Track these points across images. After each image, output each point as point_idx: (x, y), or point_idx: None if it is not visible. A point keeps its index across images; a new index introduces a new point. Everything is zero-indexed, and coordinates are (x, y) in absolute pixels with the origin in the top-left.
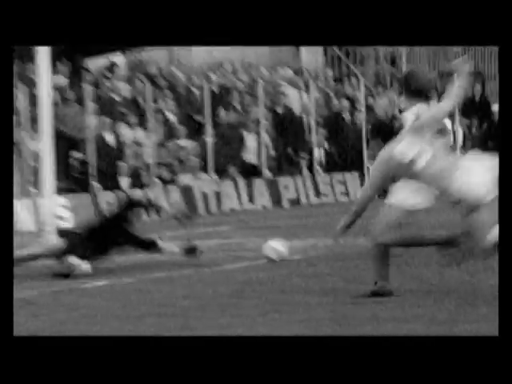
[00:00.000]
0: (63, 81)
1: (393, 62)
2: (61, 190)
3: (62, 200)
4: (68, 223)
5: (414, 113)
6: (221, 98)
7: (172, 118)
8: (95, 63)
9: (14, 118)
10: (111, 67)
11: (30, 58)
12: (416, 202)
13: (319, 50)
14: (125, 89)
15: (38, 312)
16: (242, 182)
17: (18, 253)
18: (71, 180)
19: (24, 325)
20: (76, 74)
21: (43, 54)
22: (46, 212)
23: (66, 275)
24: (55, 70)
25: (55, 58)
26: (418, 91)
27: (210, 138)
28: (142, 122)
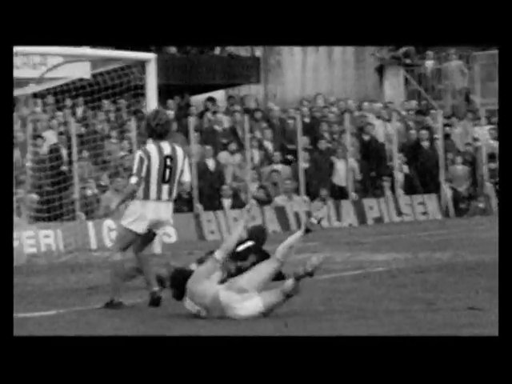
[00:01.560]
0: (171, 114)
1: (467, 96)
2: None
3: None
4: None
5: None
6: (312, 128)
7: (268, 145)
8: (199, 99)
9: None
10: (213, 102)
11: (142, 95)
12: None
13: (401, 84)
14: (225, 120)
15: None
16: (330, 203)
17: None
18: (179, 201)
19: None
20: (182, 109)
21: (152, 91)
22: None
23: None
24: (164, 105)
25: (164, 95)
26: None
27: (303, 164)
28: (241, 150)
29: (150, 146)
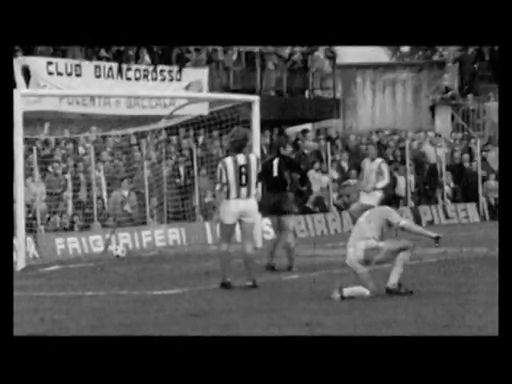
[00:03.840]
0: (268, 141)
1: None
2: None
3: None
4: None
5: None
6: (379, 151)
7: (345, 165)
8: (293, 130)
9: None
10: (304, 132)
11: (249, 127)
12: None
13: (449, 119)
14: (313, 146)
15: None
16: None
17: None
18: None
19: None
20: (279, 136)
21: (256, 124)
22: None
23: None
24: (263, 135)
25: (265, 127)
26: None
27: None
28: (324, 168)
29: (228, 159)
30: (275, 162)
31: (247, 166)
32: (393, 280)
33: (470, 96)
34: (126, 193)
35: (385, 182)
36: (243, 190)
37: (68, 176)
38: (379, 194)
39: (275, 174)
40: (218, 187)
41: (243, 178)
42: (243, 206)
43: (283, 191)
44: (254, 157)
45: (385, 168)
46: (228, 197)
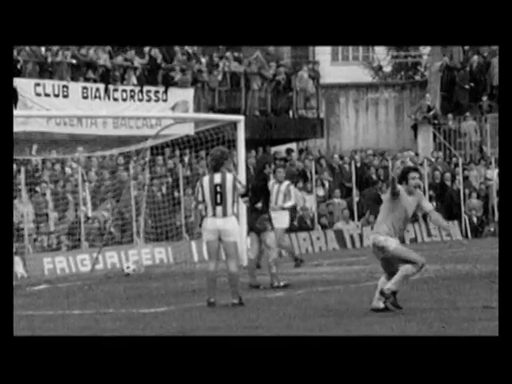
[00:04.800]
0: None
1: (480, 147)
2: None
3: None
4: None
5: None
6: (362, 171)
7: (328, 184)
8: (276, 149)
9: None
10: (288, 152)
11: (234, 146)
12: None
13: (430, 138)
14: (297, 165)
15: None
16: None
17: None
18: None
19: None
20: (263, 155)
21: (241, 144)
22: None
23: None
24: (248, 155)
25: (250, 147)
26: None
27: (355, 197)
28: (307, 187)
29: (205, 178)
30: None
31: (222, 185)
32: (389, 285)
33: (449, 116)
34: (107, 213)
35: (292, 202)
36: (219, 209)
37: (48, 197)
38: (287, 214)
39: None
40: (193, 205)
41: (218, 196)
42: (220, 224)
43: (257, 209)
44: (230, 176)
45: (292, 190)
46: (206, 215)
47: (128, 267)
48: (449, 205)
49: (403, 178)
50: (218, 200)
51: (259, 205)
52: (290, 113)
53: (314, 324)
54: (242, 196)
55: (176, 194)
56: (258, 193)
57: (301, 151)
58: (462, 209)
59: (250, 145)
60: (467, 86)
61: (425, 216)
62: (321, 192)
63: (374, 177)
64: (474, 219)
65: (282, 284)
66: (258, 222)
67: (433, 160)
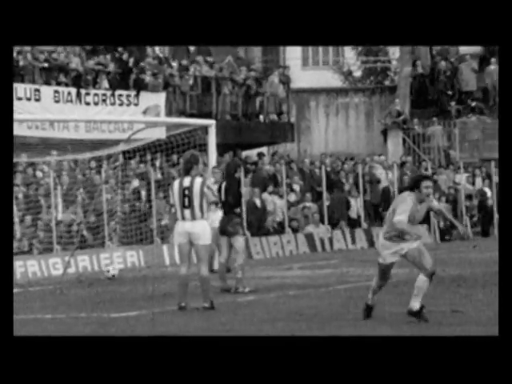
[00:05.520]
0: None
1: (446, 152)
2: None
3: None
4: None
5: None
6: (332, 175)
7: (299, 188)
8: (249, 153)
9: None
10: (260, 156)
11: (205, 150)
12: None
13: (400, 143)
14: (268, 169)
15: None
16: (347, 231)
17: None
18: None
19: None
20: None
21: (212, 148)
22: None
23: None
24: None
25: (221, 151)
26: None
27: (326, 202)
28: (279, 191)
29: (176, 181)
30: (223, 185)
31: (190, 188)
32: (412, 305)
33: (415, 121)
34: (77, 217)
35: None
36: (187, 212)
37: (21, 200)
38: (220, 212)
39: (223, 196)
40: (167, 208)
41: (186, 200)
42: (189, 228)
43: (229, 213)
44: (199, 180)
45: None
46: (177, 218)
47: (109, 271)
48: None
49: (416, 186)
50: (186, 203)
51: (238, 210)
52: (261, 117)
53: (285, 328)
54: (212, 203)
55: (147, 197)
56: (230, 197)
57: (273, 155)
58: (431, 213)
59: (221, 149)
60: (450, 92)
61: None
62: (292, 196)
63: (344, 181)
64: (442, 223)
65: (246, 290)
66: (229, 226)
67: (400, 163)
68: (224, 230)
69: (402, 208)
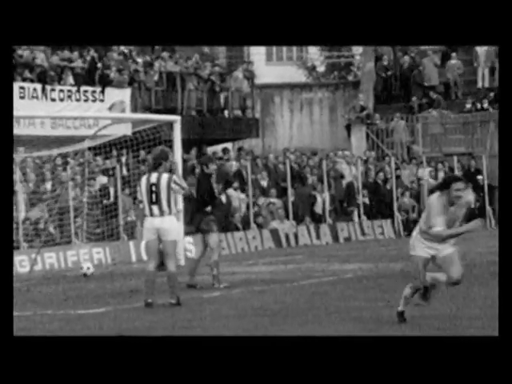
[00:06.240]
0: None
1: (409, 147)
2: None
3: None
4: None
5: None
6: (297, 170)
7: (265, 183)
8: (212, 149)
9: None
10: (225, 152)
11: (170, 146)
12: None
13: (364, 138)
14: (233, 165)
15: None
16: (312, 226)
17: None
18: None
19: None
20: (200, 155)
21: (178, 144)
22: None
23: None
24: (187, 154)
25: (186, 147)
26: None
27: (291, 197)
28: (244, 187)
29: (143, 177)
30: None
31: (157, 184)
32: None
33: (378, 115)
34: (43, 214)
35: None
36: (155, 208)
37: None
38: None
39: (195, 193)
40: (134, 205)
41: (153, 196)
42: (158, 224)
43: (203, 210)
44: (165, 175)
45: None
46: (145, 214)
47: (88, 268)
48: (381, 204)
49: (445, 187)
50: (154, 199)
51: (209, 208)
52: (226, 113)
53: (250, 323)
54: (185, 198)
55: (114, 194)
56: (203, 194)
57: (238, 151)
58: (395, 207)
59: (187, 145)
60: (412, 87)
61: (359, 214)
62: (257, 192)
63: (309, 176)
64: (406, 217)
65: (222, 286)
66: (203, 223)
67: (366, 159)
68: (198, 228)
69: (435, 217)
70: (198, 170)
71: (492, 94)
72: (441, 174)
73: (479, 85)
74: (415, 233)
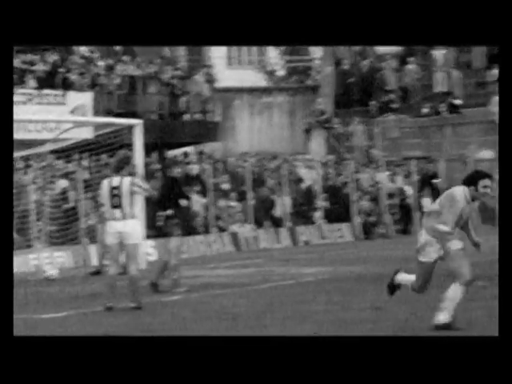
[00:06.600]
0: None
1: (367, 150)
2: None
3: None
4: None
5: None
6: (257, 174)
7: (225, 187)
8: (175, 152)
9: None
10: (185, 155)
11: (131, 150)
12: None
13: (323, 142)
14: (193, 168)
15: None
16: (271, 230)
17: None
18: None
19: None
20: (161, 159)
21: (139, 147)
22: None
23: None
24: (149, 157)
25: (147, 150)
26: None
27: (250, 201)
28: (204, 191)
29: (105, 181)
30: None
31: (119, 188)
32: (440, 317)
33: (337, 120)
34: None
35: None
36: (117, 212)
37: None
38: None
39: (159, 196)
40: (95, 208)
41: (115, 199)
42: (120, 227)
43: (165, 214)
44: (127, 179)
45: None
46: (106, 218)
47: (51, 272)
48: (340, 207)
49: (472, 183)
50: (116, 203)
51: (169, 211)
52: (187, 116)
53: (212, 327)
54: (148, 201)
55: (75, 197)
56: (168, 197)
57: (199, 154)
58: (353, 211)
59: (148, 149)
60: (371, 91)
61: (318, 218)
62: (217, 195)
63: (269, 180)
64: (365, 221)
65: (182, 290)
66: (165, 226)
67: (324, 163)
68: (160, 231)
69: (449, 215)
70: (161, 174)
71: (449, 99)
72: (399, 178)
73: (436, 89)
74: (424, 234)
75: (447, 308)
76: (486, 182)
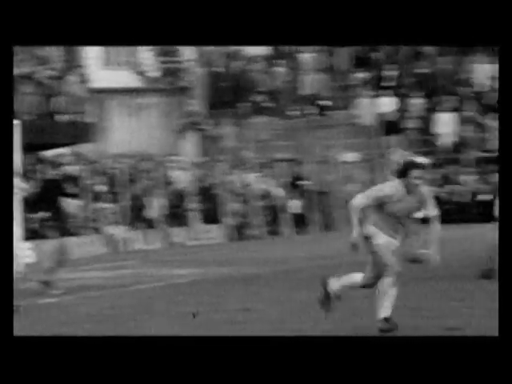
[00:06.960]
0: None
1: (239, 154)
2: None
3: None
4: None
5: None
6: (130, 175)
7: (100, 188)
8: (50, 153)
9: None
10: (60, 156)
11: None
12: None
13: (196, 142)
14: (67, 170)
15: None
16: (145, 231)
17: None
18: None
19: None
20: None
21: (17, 148)
22: None
23: None
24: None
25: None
26: None
27: (124, 202)
28: (79, 192)
29: None
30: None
31: None
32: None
33: (210, 121)
34: None
35: None
36: None
37: None
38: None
39: (35, 197)
40: None
41: None
42: None
43: (42, 215)
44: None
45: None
46: None
47: None
48: (211, 208)
49: (404, 174)
50: None
51: (46, 214)
52: (61, 117)
53: (90, 329)
54: (25, 203)
55: None
56: (44, 198)
57: (74, 156)
58: (224, 212)
59: (24, 150)
60: (242, 93)
61: (192, 219)
62: (92, 196)
63: (142, 181)
64: (237, 222)
65: (58, 292)
66: (42, 228)
67: (198, 164)
68: (37, 233)
69: (370, 191)
70: (39, 175)
71: (316, 101)
72: (269, 180)
73: (304, 91)
74: (368, 226)
75: (384, 303)
76: (417, 172)
